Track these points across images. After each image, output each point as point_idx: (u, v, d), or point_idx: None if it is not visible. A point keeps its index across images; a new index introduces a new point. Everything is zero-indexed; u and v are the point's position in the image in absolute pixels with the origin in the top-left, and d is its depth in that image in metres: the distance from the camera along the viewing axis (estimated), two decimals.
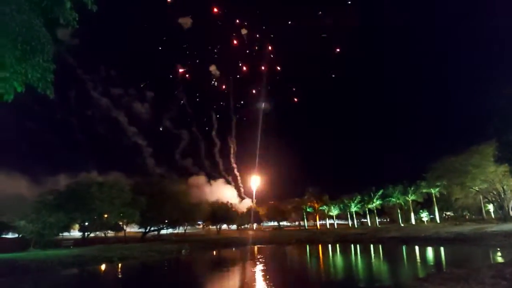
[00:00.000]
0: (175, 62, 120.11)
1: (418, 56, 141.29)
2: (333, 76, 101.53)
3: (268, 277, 21.04)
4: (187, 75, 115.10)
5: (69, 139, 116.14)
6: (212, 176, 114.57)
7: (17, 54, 6.26)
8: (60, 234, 39.14)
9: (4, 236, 47.30)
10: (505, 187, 45.20)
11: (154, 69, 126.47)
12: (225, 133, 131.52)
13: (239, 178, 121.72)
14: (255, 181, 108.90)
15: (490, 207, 60.13)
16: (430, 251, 29.34)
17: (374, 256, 29.88)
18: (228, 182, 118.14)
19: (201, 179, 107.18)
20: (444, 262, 22.83)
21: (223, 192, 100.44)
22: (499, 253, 23.10)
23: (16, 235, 41.69)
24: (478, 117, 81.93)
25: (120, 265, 28.17)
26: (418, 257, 26.51)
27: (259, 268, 27.22)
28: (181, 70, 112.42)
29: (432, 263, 22.62)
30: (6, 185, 60.28)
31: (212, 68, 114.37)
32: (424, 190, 61.11)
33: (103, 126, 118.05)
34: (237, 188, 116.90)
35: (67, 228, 39.77)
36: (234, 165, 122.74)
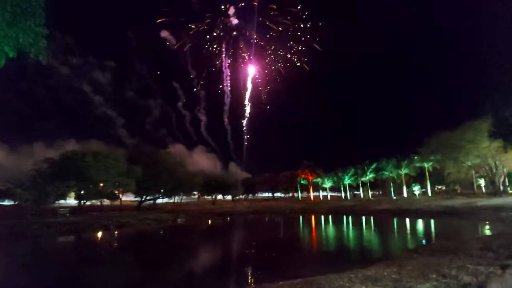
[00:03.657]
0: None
1: (415, 29, 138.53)
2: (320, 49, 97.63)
3: (260, 244, 21.54)
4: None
5: (43, 109, 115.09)
6: (191, 145, 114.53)
7: (7, 17, 5.98)
8: (56, 202, 39.34)
9: (1, 203, 47.66)
10: (497, 162, 45.70)
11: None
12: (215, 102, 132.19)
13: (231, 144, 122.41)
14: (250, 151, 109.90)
15: (482, 182, 61.12)
16: (420, 224, 29.96)
17: (365, 227, 30.47)
18: (214, 150, 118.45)
19: (180, 148, 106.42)
20: (433, 234, 23.33)
21: (206, 161, 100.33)
22: (487, 227, 23.63)
23: (12, 203, 41.97)
24: (474, 93, 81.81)
25: (116, 232, 28.59)
26: (408, 229, 27.06)
27: (251, 236, 27.87)
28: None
29: (422, 235, 23.11)
30: None
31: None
32: (417, 164, 61.78)
33: (75, 96, 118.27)
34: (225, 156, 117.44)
35: (63, 196, 39.92)
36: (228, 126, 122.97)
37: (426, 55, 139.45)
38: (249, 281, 10.01)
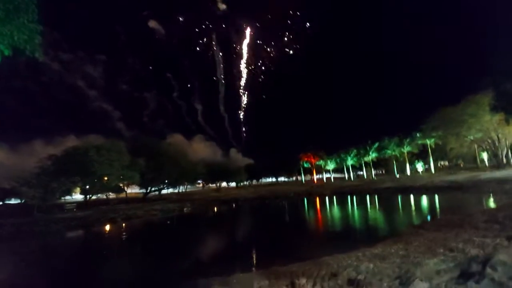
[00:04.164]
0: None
1: (413, 3, 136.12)
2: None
3: (267, 227, 21.77)
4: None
5: (38, 106, 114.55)
6: (189, 134, 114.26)
7: (0, 14, 5.92)
8: (62, 198, 39.65)
9: (7, 202, 47.99)
10: (499, 135, 45.63)
11: None
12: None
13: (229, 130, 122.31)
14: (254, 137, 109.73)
15: (484, 156, 61.08)
16: (425, 200, 30.09)
17: (370, 206, 30.63)
18: (213, 138, 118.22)
19: (179, 137, 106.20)
20: (438, 210, 23.48)
21: (207, 149, 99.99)
22: (492, 199, 23.75)
23: (19, 201, 42.35)
24: (475, 67, 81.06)
25: (124, 224, 28.86)
26: (413, 206, 27.18)
27: (258, 220, 28.13)
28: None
29: (427, 211, 23.26)
30: None
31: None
32: (420, 141, 61.75)
33: (70, 91, 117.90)
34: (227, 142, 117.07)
35: (69, 192, 40.22)
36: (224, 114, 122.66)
37: (426, 31, 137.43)
38: (259, 264, 10.14)
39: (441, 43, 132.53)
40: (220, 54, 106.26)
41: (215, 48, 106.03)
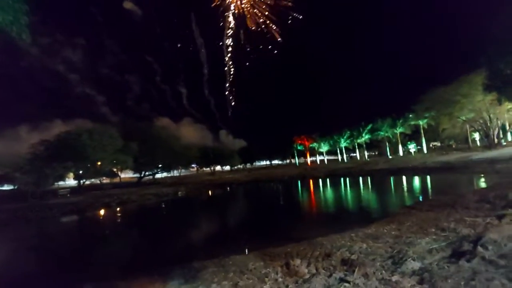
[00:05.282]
0: None
1: None
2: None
3: (261, 210, 21.95)
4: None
5: (19, 91, 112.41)
6: (177, 118, 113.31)
7: None
8: (56, 183, 39.50)
9: (0, 188, 47.79)
10: (491, 115, 45.91)
11: None
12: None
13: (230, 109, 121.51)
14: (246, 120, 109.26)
15: (476, 136, 61.72)
16: (417, 181, 30.44)
17: (363, 188, 30.92)
18: (201, 121, 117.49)
19: (167, 121, 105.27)
20: (430, 190, 23.78)
21: (195, 132, 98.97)
22: (483, 179, 24.06)
23: (12, 187, 42.15)
24: (468, 47, 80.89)
25: (118, 209, 28.89)
26: (405, 187, 27.44)
27: (252, 202, 28.34)
28: None
29: (419, 192, 23.50)
30: None
31: None
32: (412, 122, 62.22)
33: (50, 76, 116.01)
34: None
35: (62, 177, 40.09)
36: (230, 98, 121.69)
37: (417, 12, 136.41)
38: (254, 245, 10.23)
39: (434, 22, 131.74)
40: (201, 36, 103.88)
41: (195, 29, 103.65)
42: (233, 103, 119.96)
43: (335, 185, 35.46)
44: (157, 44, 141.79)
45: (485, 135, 50.05)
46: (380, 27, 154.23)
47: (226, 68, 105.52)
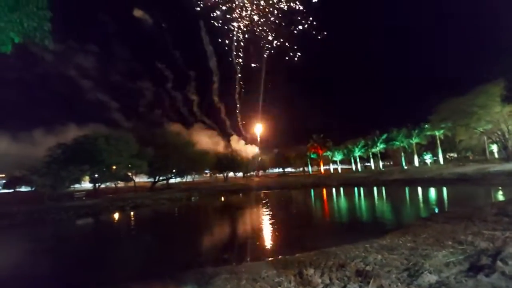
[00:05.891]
0: None
1: None
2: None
3: (274, 217, 21.87)
4: None
5: (35, 96, 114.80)
6: (188, 124, 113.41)
7: (9, 2, 5.93)
8: (72, 186, 40.21)
9: (18, 189, 48.94)
10: (509, 127, 44.88)
11: None
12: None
13: (240, 125, 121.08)
14: (259, 128, 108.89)
15: (494, 148, 60.29)
16: (433, 192, 29.90)
17: (377, 198, 30.54)
18: (212, 127, 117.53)
19: (178, 127, 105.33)
20: (447, 202, 23.35)
21: (207, 138, 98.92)
22: (501, 192, 23.53)
23: (29, 189, 43.11)
24: (485, 57, 79.49)
25: (132, 213, 29.22)
26: (421, 198, 27.02)
27: (265, 210, 28.24)
28: None
29: (435, 203, 23.09)
30: None
31: None
32: (428, 133, 61.13)
33: (65, 82, 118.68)
34: (239, 133, 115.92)
35: (78, 180, 40.79)
36: (238, 110, 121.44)
37: (436, 21, 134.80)
38: (267, 253, 10.21)
39: (452, 31, 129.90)
40: (210, 45, 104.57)
41: (204, 36, 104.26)
42: (245, 110, 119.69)
43: (349, 195, 35.12)
44: (168, 52, 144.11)
45: (503, 147, 48.89)
46: (396, 35, 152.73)
47: (236, 76, 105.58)
